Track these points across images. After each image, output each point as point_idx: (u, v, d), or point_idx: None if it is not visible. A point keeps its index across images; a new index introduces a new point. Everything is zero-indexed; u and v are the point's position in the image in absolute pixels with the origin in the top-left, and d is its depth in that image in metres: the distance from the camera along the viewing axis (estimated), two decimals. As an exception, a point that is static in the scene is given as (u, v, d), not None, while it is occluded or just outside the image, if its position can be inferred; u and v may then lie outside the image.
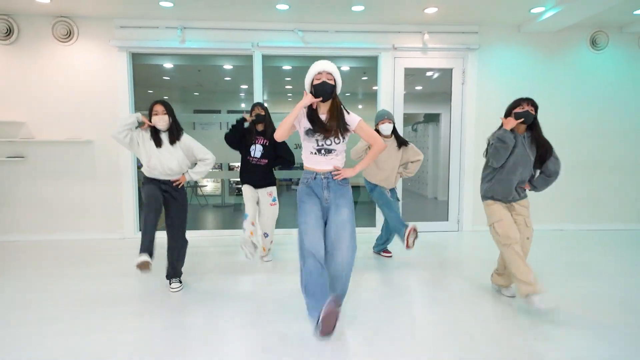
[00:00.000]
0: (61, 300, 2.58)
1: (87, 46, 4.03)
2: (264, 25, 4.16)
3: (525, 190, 2.57)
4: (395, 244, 3.83)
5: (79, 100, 4.06)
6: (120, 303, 2.54)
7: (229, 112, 7.70)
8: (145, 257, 2.41)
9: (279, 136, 2.13)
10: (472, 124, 4.45)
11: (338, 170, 2.17)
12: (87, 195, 4.16)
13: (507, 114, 2.48)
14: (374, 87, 4.60)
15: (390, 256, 3.54)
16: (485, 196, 2.59)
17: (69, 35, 3.98)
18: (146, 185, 2.69)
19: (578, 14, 3.77)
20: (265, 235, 3.41)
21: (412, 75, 5.00)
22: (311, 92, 2.13)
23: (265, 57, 4.28)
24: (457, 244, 4.08)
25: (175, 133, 2.69)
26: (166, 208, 2.72)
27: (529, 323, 2.25)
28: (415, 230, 3.05)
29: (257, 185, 3.32)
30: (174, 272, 2.79)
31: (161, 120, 2.63)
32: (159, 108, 2.63)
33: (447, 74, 4.52)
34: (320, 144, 2.12)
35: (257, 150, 3.27)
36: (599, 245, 3.95)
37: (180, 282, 2.80)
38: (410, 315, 2.36)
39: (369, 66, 4.60)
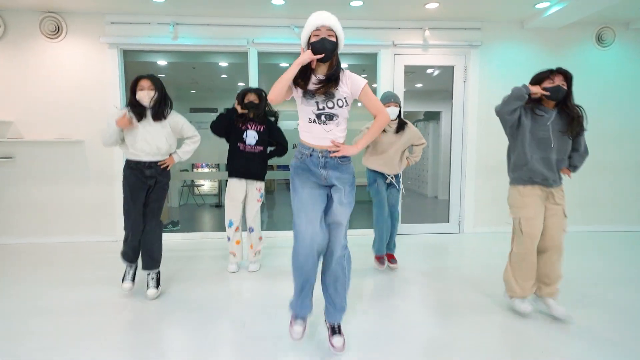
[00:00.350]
0: (47, 309, 2.47)
1: (77, 43, 3.89)
2: (259, 22, 4.02)
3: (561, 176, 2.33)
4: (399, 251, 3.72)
5: (69, 98, 3.94)
6: (105, 313, 2.42)
7: (227, 110, 7.59)
8: (128, 285, 2.59)
9: (273, 97, 1.83)
10: (474, 123, 4.33)
11: (337, 146, 1.85)
12: (78, 197, 4.04)
13: (534, 83, 2.23)
14: (374, 85, 4.48)
15: (396, 267, 3.24)
16: (521, 179, 2.26)
17: (57, 31, 3.84)
18: (128, 178, 2.52)
19: (584, 9, 3.64)
20: (251, 230, 3.17)
21: (412, 72, 4.88)
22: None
23: (260, 54, 4.15)
24: (459, 247, 3.97)
25: (158, 109, 2.51)
26: (147, 193, 2.59)
27: (536, 335, 2.14)
28: (381, 265, 3.02)
29: (250, 175, 3.08)
30: (152, 261, 2.62)
31: (146, 96, 2.45)
32: (145, 83, 2.45)
33: (447, 71, 4.40)
34: (321, 106, 1.82)
35: (250, 137, 3.03)
36: (602, 248, 3.85)
37: (157, 287, 2.63)
38: (407, 327, 2.25)
39: (367, 63, 4.48)
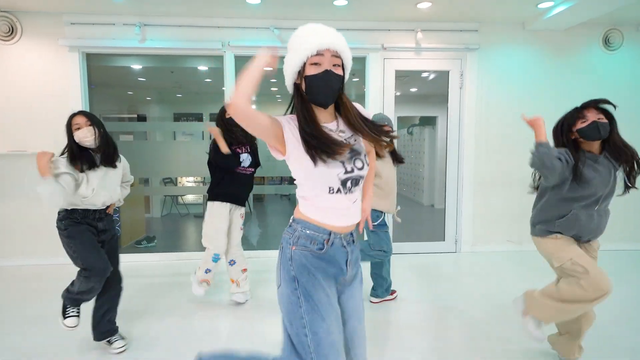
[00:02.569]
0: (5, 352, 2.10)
1: (33, 45, 3.52)
2: (235, 22, 3.66)
3: None
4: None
5: (25, 107, 3.56)
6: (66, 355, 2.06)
7: (212, 115, 7.24)
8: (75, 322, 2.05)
9: (236, 106, 1.08)
10: (472, 134, 3.97)
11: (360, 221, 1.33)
12: (37, 215, 3.66)
13: (567, 129, 1.82)
14: (362, 90, 4.13)
15: (395, 297, 2.90)
16: (549, 231, 1.88)
17: (11, 32, 3.48)
18: (79, 233, 1.99)
19: (592, 10, 3.31)
20: (232, 262, 2.80)
21: (406, 76, 4.55)
22: (296, 88, 1.21)
23: (238, 58, 3.79)
24: (456, 271, 3.60)
25: (111, 151, 2.07)
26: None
27: None
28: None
29: (240, 201, 2.79)
30: (113, 328, 2.17)
31: (88, 133, 1.96)
32: (80, 119, 1.97)
33: (443, 75, 4.05)
34: (349, 168, 1.20)
35: (246, 160, 2.74)
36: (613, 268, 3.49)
37: (123, 337, 2.23)
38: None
39: (357, 68, 4.13)
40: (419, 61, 3.91)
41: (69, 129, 1.99)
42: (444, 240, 4.14)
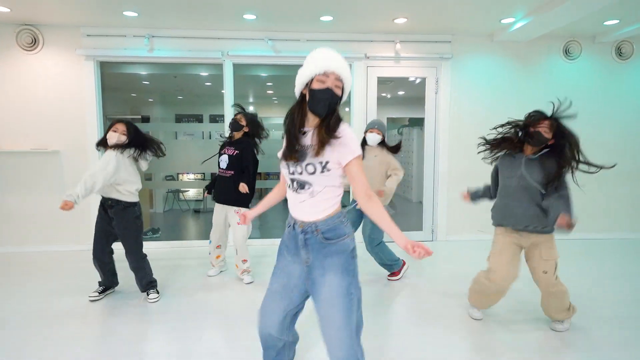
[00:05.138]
0: (16, 319, 2.53)
1: (53, 55, 3.95)
2: (234, 34, 4.10)
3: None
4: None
5: (46, 109, 3.99)
6: (79, 321, 2.48)
7: (211, 117, 7.66)
8: (94, 295, 2.81)
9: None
10: (446, 133, 4.43)
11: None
12: (54, 206, 4.09)
13: (526, 125, 2.19)
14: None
15: (398, 278, 3.30)
16: (494, 223, 2.38)
17: (34, 43, 3.90)
18: (97, 220, 2.77)
19: (547, 25, 3.75)
20: (236, 251, 3.16)
21: (391, 81, 4.96)
22: (301, 96, 1.46)
23: (236, 66, 4.23)
24: (432, 256, 4.02)
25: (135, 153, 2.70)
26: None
27: (513, 344, 2.16)
28: None
29: (222, 200, 3.08)
30: (141, 286, 2.85)
31: (114, 138, 2.64)
32: (120, 127, 2.65)
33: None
34: (291, 170, 1.44)
35: (223, 161, 3.07)
36: (575, 256, 3.94)
37: (157, 292, 2.87)
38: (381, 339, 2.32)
39: (343, 74, 4.56)
40: (398, 69, 4.36)
41: (110, 127, 2.64)
42: (422, 229, 4.59)
